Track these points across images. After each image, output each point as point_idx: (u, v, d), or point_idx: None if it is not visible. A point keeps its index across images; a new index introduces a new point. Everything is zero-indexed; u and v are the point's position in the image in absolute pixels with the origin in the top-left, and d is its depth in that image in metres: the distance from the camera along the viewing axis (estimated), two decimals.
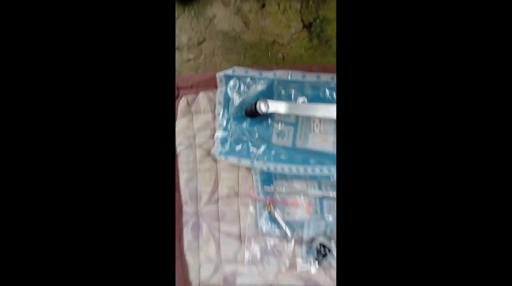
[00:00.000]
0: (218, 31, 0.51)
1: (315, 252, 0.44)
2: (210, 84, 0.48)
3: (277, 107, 0.43)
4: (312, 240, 0.46)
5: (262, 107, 0.42)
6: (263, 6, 0.51)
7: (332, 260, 0.45)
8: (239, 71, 0.47)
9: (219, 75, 0.47)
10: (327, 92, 0.46)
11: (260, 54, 0.51)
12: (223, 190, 0.48)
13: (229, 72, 0.47)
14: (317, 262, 0.43)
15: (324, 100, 0.46)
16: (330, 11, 0.51)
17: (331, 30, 0.50)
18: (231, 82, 0.48)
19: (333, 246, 0.43)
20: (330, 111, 0.44)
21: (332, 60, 0.50)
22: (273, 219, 0.47)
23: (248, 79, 0.47)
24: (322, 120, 0.47)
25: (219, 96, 0.48)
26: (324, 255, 0.44)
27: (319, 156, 0.46)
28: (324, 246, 0.44)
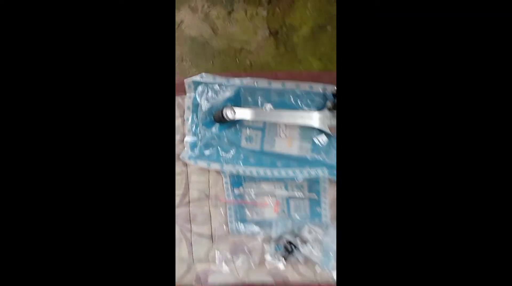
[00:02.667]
0: (186, 37, 0.52)
1: (283, 249, 0.47)
2: (179, 90, 0.49)
3: (244, 114, 0.45)
4: (279, 238, 0.49)
5: (229, 114, 0.44)
6: (230, 12, 0.52)
7: (298, 256, 0.48)
8: (207, 77, 0.48)
9: (188, 81, 0.48)
10: (292, 99, 0.49)
11: (229, 61, 0.53)
12: (193, 193, 0.50)
13: (197, 78, 0.48)
14: (284, 258, 0.46)
15: (289, 106, 0.49)
16: (296, 19, 0.53)
17: (297, 38, 0.53)
18: (200, 88, 0.49)
19: (298, 243, 0.46)
20: (294, 117, 0.47)
21: (298, 67, 0.53)
22: (243, 219, 0.49)
23: (216, 86, 0.49)
24: (288, 125, 0.49)
25: (188, 101, 0.49)
26: (291, 252, 0.47)
27: (286, 159, 0.49)
28: (291, 243, 0.47)
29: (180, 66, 0.53)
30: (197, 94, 0.49)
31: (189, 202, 0.50)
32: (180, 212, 0.49)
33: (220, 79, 0.48)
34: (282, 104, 0.49)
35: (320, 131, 0.49)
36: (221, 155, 0.49)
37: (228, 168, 0.48)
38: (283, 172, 0.48)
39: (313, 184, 0.48)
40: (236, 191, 0.49)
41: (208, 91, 0.49)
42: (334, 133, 0.47)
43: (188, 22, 0.53)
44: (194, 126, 0.49)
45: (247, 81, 0.48)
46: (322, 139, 0.49)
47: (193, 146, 0.49)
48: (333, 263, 0.48)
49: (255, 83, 0.48)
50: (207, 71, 0.50)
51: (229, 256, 0.49)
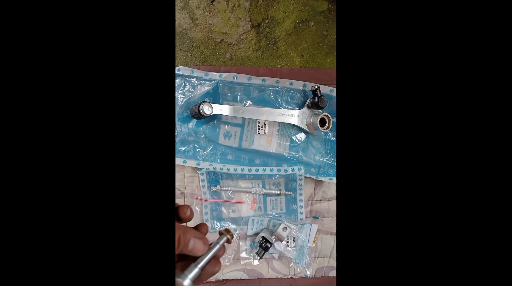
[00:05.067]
0: None
1: (258, 246, 0.47)
2: None
3: (221, 109, 0.44)
4: (255, 235, 0.49)
5: (206, 110, 0.42)
6: (212, 2, 0.49)
7: (273, 252, 0.49)
8: (185, 70, 0.46)
9: None
10: (272, 95, 0.48)
11: (208, 53, 0.51)
12: None
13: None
14: (258, 255, 0.47)
15: (269, 103, 0.48)
16: (279, 12, 0.51)
17: (279, 32, 0.51)
18: (177, 81, 0.47)
19: (273, 239, 0.47)
20: (273, 114, 0.46)
21: (279, 62, 0.52)
22: (220, 218, 0.49)
23: (194, 80, 0.47)
24: (267, 122, 0.49)
25: None
26: (266, 249, 0.47)
27: (264, 157, 0.49)
28: (266, 240, 0.47)
29: None
30: None
31: None
32: None
33: (198, 73, 0.47)
34: (261, 100, 0.48)
35: (298, 129, 0.49)
36: (198, 151, 0.48)
37: (205, 165, 0.47)
38: (261, 170, 0.48)
39: (289, 181, 0.48)
40: (212, 188, 0.48)
41: (185, 85, 0.47)
42: (311, 131, 0.47)
43: None
44: None
45: (226, 75, 0.46)
46: (300, 137, 0.49)
47: None
48: (307, 259, 0.49)
49: (235, 78, 0.47)
50: (184, 64, 0.48)
51: None
